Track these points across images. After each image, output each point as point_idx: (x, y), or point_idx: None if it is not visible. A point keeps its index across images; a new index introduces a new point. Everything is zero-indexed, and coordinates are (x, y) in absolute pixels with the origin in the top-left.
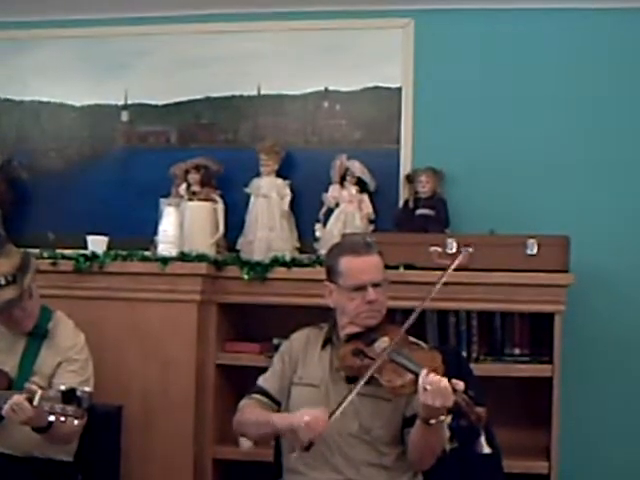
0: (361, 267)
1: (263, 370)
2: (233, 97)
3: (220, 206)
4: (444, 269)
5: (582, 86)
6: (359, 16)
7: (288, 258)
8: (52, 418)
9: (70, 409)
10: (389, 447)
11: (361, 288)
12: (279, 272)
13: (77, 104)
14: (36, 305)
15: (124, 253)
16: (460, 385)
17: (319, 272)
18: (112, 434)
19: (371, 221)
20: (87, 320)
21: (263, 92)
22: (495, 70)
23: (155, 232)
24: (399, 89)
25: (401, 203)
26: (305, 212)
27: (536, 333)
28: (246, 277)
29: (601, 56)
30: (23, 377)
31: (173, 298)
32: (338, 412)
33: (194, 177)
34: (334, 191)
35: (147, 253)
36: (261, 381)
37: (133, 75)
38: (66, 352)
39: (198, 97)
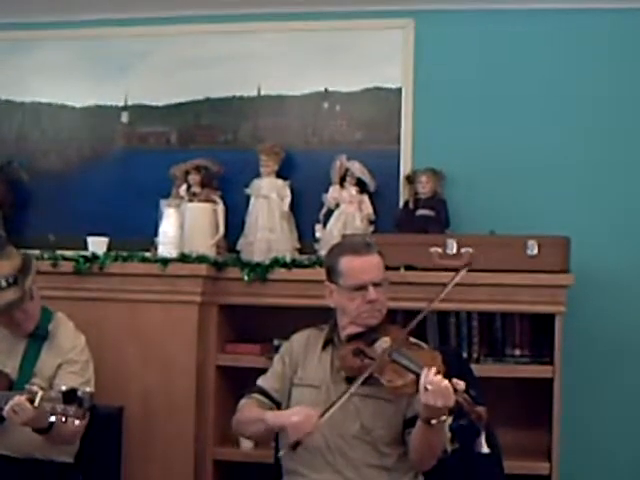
0: (362, 267)
1: (263, 371)
2: (233, 98)
3: (220, 207)
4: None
5: (582, 87)
6: (359, 17)
7: (288, 259)
8: (53, 419)
9: (71, 409)
10: (390, 448)
11: (362, 288)
12: (279, 273)
13: (77, 105)
14: (37, 307)
15: (124, 254)
16: (461, 385)
17: (319, 273)
18: (113, 435)
19: (371, 222)
20: (88, 321)
21: (263, 93)
22: (495, 71)
23: (155, 233)
24: (399, 90)
25: (401, 204)
26: (305, 213)
27: (536, 334)
28: (246, 278)
29: (601, 56)
30: (24, 378)
31: (173, 299)
32: (330, 412)
33: (194, 178)
34: (334, 192)
35: (147, 254)
36: (260, 381)
37: (133, 76)
38: (67, 353)
39: (198, 98)
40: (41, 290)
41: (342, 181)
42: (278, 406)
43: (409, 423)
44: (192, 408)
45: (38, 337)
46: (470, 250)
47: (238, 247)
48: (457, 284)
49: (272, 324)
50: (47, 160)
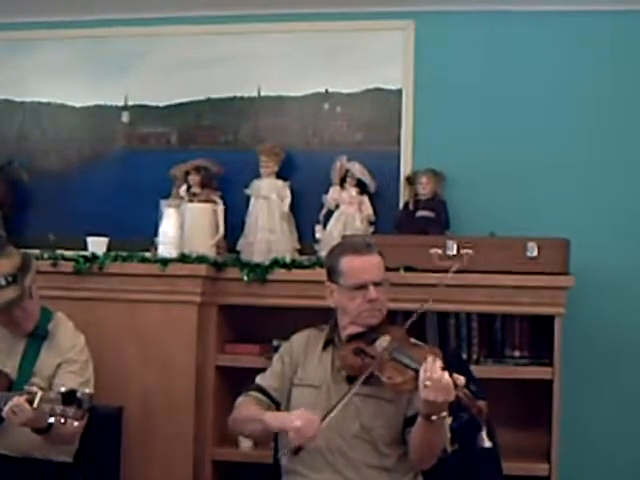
0: (362, 266)
1: (263, 372)
2: (234, 98)
3: (220, 207)
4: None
5: (583, 88)
6: (360, 18)
7: (288, 260)
8: (52, 420)
9: (70, 411)
10: (390, 448)
11: (362, 287)
12: (279, 274)
13: (77, 105)
14: (36, 306)
15: (124, 254)
16: (461, 380)
17: (319, 274)
18: (112, 435)
19: (371, 223)
20: (87, 321)
21: (263, 93)
22: (495, 72)
23: (155, 233)
24: (399, 91)
25: (401, 205)
26: (305, 214)
27: (536, 335)
28: (246, 279)
29: (602, 58)
30: (23, 378)
31: (173, 299)
32: (330, 416)
33: (194, 178)
34: (334, 193)
35: (147, 254)
36: (259, 379)
37: (133, 76)
38: (66, 353)
39: (198, 98)
40: (41, 290)
41: (342, 182)
42: (277, 405)
43: (409, 422)
44: (191, 408)
45: (38, 337)
46: (470, 252)
47: (238, 247)
48: (457, 285)
49: (272, 324)
50: (47, 160)
